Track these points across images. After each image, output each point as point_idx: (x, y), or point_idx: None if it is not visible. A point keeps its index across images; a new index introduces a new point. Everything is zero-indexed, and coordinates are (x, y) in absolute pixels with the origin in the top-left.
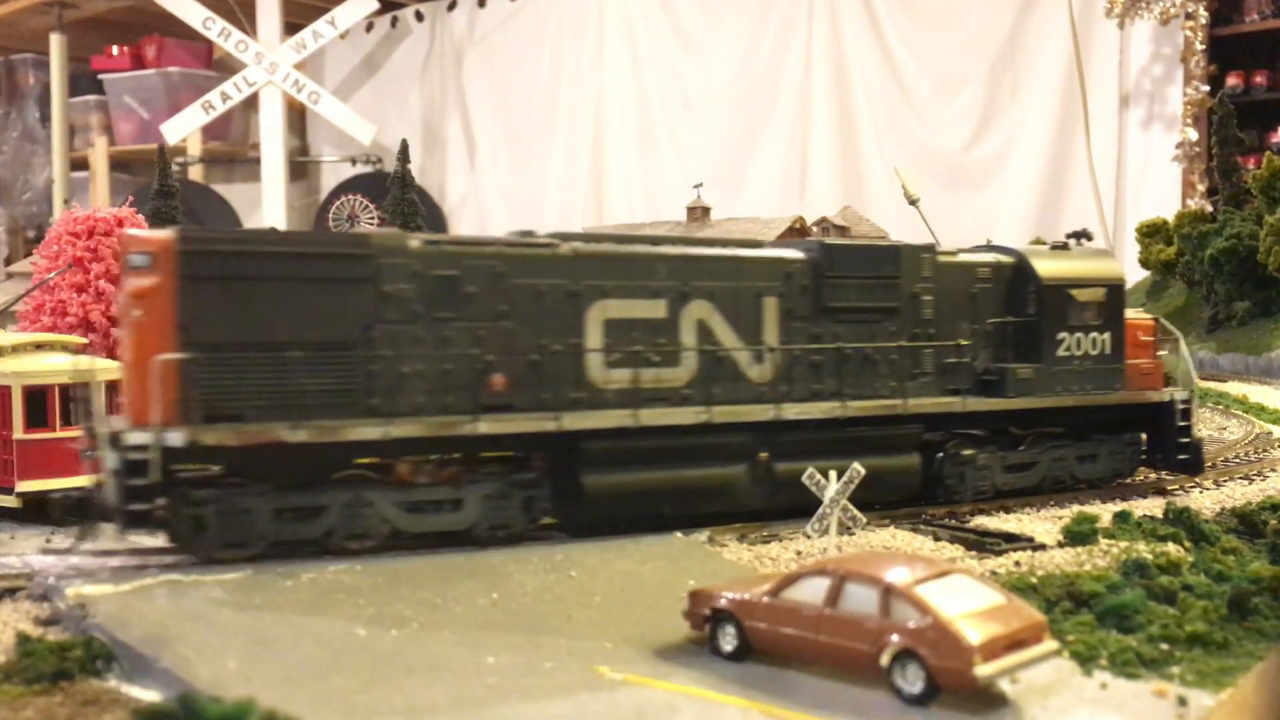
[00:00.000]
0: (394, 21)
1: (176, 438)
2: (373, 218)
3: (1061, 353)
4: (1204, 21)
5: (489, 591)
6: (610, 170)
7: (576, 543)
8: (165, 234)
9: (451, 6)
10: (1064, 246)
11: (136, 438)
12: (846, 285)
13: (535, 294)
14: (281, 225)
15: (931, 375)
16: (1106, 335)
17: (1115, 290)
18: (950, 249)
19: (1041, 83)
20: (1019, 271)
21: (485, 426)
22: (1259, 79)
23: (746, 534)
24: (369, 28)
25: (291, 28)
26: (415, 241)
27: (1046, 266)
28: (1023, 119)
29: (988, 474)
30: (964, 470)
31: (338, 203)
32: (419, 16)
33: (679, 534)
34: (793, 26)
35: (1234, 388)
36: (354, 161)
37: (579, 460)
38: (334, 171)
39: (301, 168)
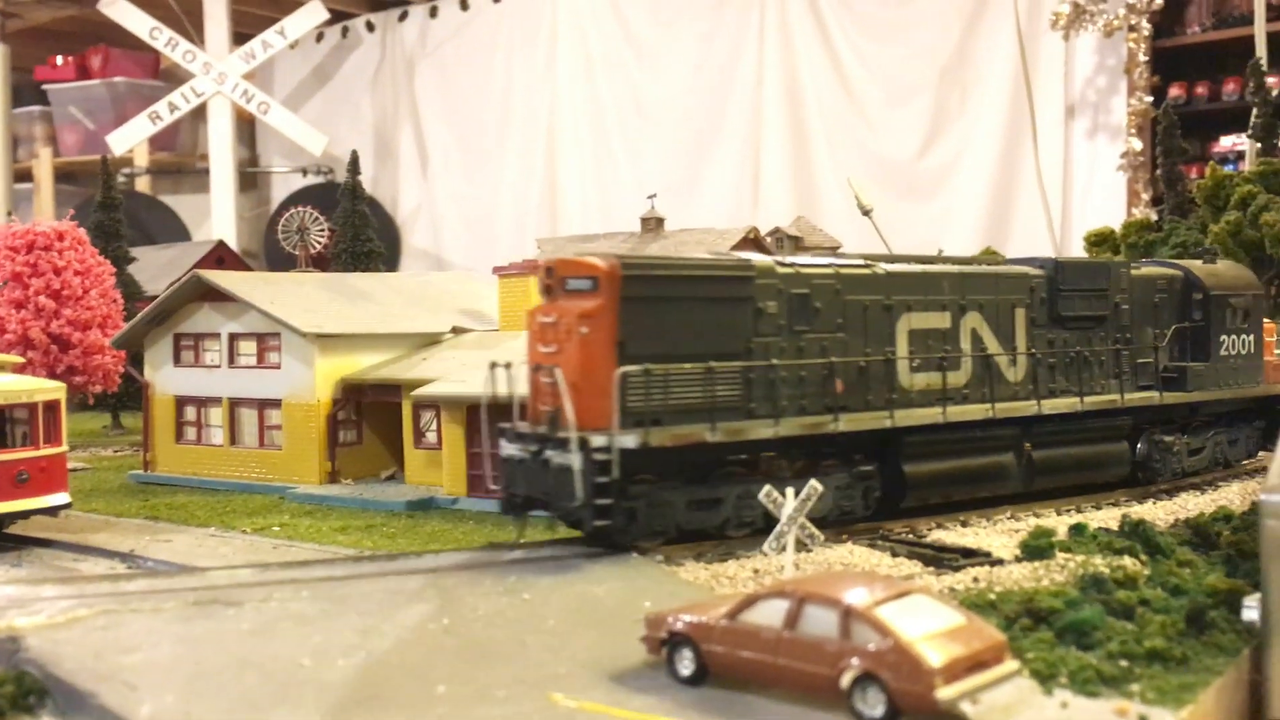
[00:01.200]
0: (344, 32)
1: (630, 440)
2: (323, 230)
3: (1223, 353)
4: (1146, 34)
5: (439, 617)
6: (564, 180)
7: (529, 565)
8: (610, 260)
9: (403, 16)
10: (1212, 260)
11: (599, 441)
12: (1073, 296)
13: (861, 308)
14: (230, 237)
15: (1128, 373)
16: (1251, 336)
17: (1259, 298)
18: (1135, 264)
19: (989, 94)
20: (1187, 283)
21: (844, 425)
22: (1200, 90)
23: (703, 553)
24: (319, 38)
25: (240, 38)
26: (779, 265)
27: (1211, 278)
28: (971, 129)
29: (1180, 458)
30: (1164, 456)
31: (287, 214)
32: (370, 27)
33: (635, 554)
34: (744, 37)
35: None
36: (305, 172)
37: (900, 452)
38: (284, 182)
39: (251, 178)
